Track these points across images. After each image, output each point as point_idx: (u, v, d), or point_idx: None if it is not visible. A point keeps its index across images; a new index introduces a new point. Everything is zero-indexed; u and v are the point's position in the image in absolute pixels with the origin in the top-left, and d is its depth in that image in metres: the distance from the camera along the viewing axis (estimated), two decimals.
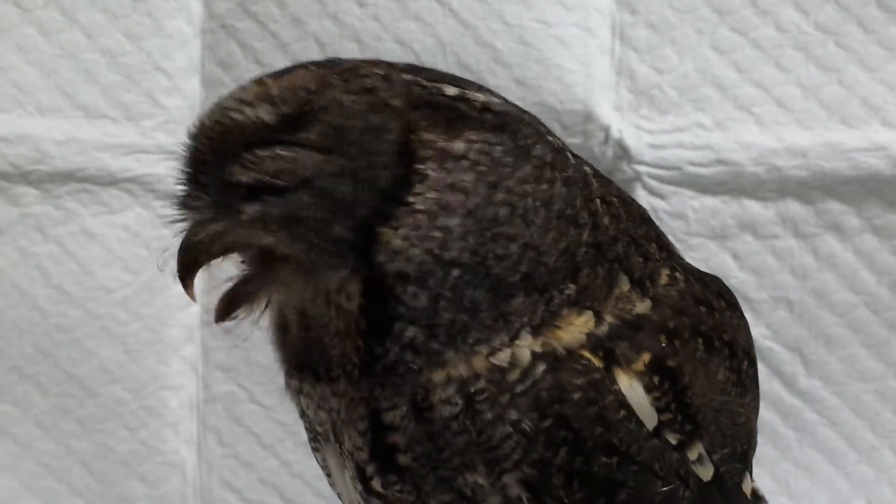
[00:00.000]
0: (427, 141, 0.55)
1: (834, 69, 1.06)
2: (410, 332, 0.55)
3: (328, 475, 0.67)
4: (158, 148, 1.09)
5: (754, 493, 0.68)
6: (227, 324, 0.60)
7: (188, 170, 0.58)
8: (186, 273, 0.58)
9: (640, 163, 1.07)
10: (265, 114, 0.55)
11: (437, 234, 0.54)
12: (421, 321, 0.55)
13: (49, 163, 1.08)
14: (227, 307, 0.59)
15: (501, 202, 0.55)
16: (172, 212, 0.59)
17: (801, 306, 1.08)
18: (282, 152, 0.55)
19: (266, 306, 0.60)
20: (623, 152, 1.07)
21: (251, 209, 0.56)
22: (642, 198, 1.06)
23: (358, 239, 0.55)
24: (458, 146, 0.55)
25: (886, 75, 1.06)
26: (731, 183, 1.07)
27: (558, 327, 0.56)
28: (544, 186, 0.57)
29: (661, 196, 1.07)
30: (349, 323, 0.56)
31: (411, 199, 0.55)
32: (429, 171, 0.55)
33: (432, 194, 0.55)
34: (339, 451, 0.62)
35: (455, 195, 0.55)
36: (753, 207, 1.07)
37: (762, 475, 1.01)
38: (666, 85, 1.07)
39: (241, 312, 0.60)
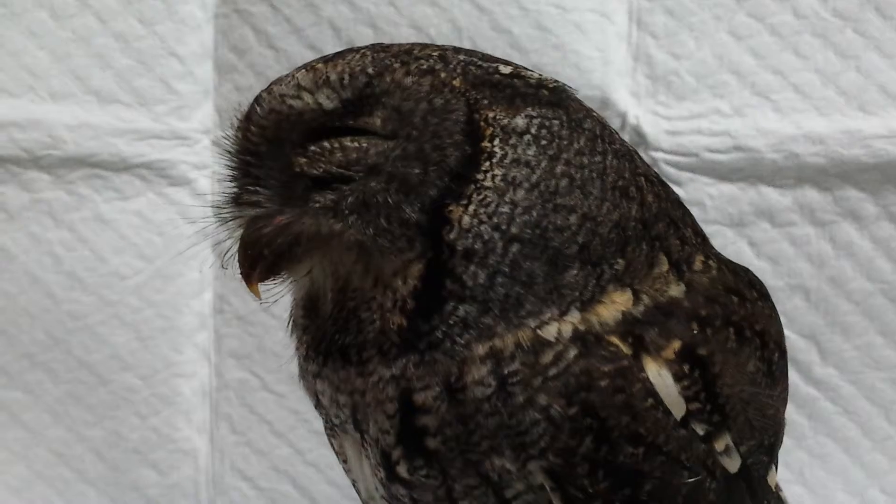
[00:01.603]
0: (490, 118, 0.56)
1: (852, 56, 1.06)
2: (462, 310, 0.55)
3: (343, 461, 0.66)
4: (171, 133, 1.08)
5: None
6: (263, 287, 0.59)
7: (238, 164, 0.58)
8: (251, 270, 0.58)
9: (657, 149, 1.06)
10: (325, 99, 0.55)
11: (505, 209, 0.55)
12: (475, 298, 0.55)
13: (61, 148, 1.07)
14: (270, 268, 0.58)
15: (562, 174, 0.56)
16: (219, 210, 0.58)
17: (818, 294, 1.08)
18: (349, 143, 0.55)
19: (307, 274, 0.59)
20: (640, 139, 1.06)
21: (323, 198, 0.56)
22: None
23: (427, 220, 0.55)
24: (520, 122, 0.56)
25: None
26: (748, 170, 1.06)
27: (602, 303, 0.56)
28: (598, 158, 0.58)
29: (677, 183, 1.06)
30: (396, 301, 0.56)
31: (479, 176, 0.55)
32: (495, 149, 0.55)
33: (499, 170, 0.55)
34: (359, 441, 0.61)
35: (520, 170, 0.55)
36: (771, 194, 1.06)
37: None
38: (683, 71, 1.06)
39: (281, 276, 0.59)
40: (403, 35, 1.05)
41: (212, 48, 1.09)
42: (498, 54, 1.03)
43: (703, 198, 1.07)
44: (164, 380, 1.11)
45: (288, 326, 0.65)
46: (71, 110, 1.07)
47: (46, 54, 1.07)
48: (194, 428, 1.12)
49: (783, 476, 1.09)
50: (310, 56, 0.97)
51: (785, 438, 1.08)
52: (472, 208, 0.55)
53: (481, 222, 0.55)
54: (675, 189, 1.04)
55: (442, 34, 1.05)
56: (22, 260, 1.09)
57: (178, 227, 1.05)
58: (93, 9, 1.07)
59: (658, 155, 1.06)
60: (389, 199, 0.55)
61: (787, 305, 1.08)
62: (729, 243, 1.07)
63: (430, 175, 0.55)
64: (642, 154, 1.04)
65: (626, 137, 1.05)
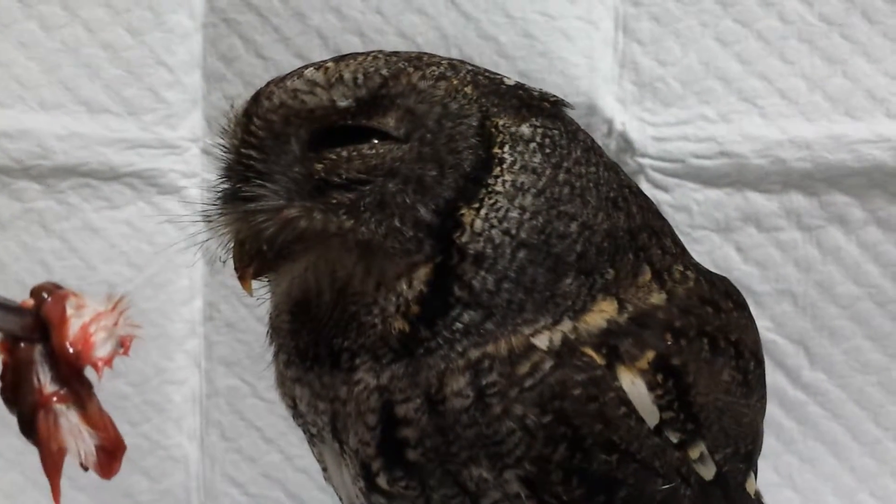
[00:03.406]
0: (500, 126, 0.57)
1: (838, 61, 1.06)
2: (467, 316, 0.56)
3: (324, 469, 0.67)
4: (160, 142, 1.09)
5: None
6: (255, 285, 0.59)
7: (236, 159, 0.57)
8: (248, 264, 0.57)
9: (644, 155, 1.06)
10: (339, 97, 0.55)
11: (515, 213, 0.56)
12: (481, 304, 0.56)
13: (51, 158, 1.07)
14: (267, 265, 0.58)
15: (564, 182, 0.58)
16: (211, 210, 0.57)
17: (805, 299, 1.08)
18: (367, 151, 0.55)
19: (304, 272, 0.59)
20: (626, 145, 1.06)
21: (341, 196, 0.55)
22: (646, 190, 1.05)
23: (439, 223, 0.56)
24: (525, 130, 0.58)
25: (891, 66, 1.06)
26: (734, 175, 1.06)
27: (591, 312, 0.57)
28: (593, 169, 0.59)
29: (664, 189, 1.06)
30: (399, 306, 0.56)
31: (490, 181, 0.56)
32: (505, 155, 0.57)
33: (509, 176, 0.57)
34: (338, 451, 0.61)
35: (528, 176, 0.57)
36: (757, 200, 1.07)
37: (765, 468, 1.01)
38: (669, 77, 1.06)
39: (274, 274, 0.59)
40: (390, 43, 1.05)
41: (200, 57, 1.09)
42: (485, 62, 1.05)
43: (689, 203, 1.07)
44: (155, 387, 1.11)
45: (267, 334, 0.65)
46: (60, 120, 1.07)
47: (36, 65, 1.07)
48: (185, 435, 1.13)
49: (773, 480, 1.09)
50: (298, 64, 0.97)
51: (774, 442, 1.09)
52: (483, 212, 0.56)
53: (492, 226, 0.56)
54: (662, 195, 1.07)
55: (429, 42, 1.06)
56: (13, 269, 1.09)
57: (168, 236, 1.06)
58: (81, 19, 1.08)
59: (645, 161, 1.06)
60: (406, 200, 0.55)
61: (775, 310, 1.08)
62: (716, 248, 1.07)
63: (447, 177, 0.56)
64: (629, 160, 1.07)
65: (612, 144, 1.07)
